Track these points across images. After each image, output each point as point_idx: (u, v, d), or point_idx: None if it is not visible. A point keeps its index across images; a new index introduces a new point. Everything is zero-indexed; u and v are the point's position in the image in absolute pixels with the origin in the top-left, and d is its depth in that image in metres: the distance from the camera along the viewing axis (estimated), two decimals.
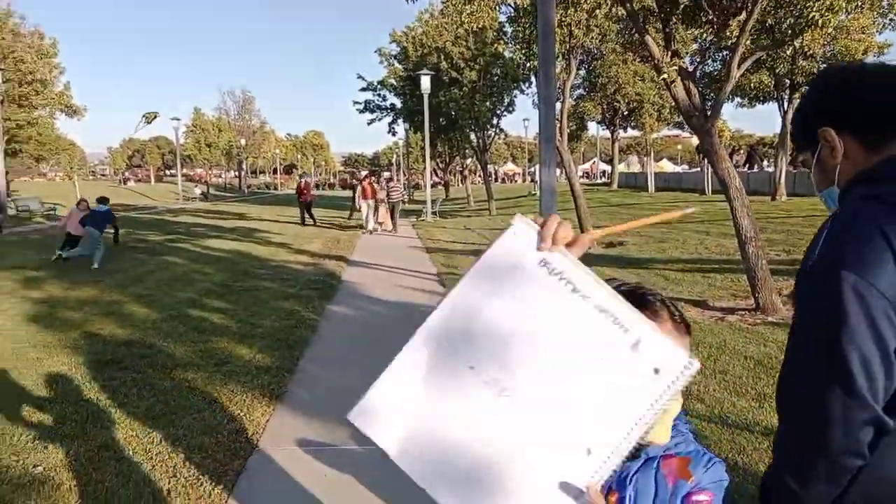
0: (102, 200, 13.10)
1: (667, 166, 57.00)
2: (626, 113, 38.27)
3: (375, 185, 20.06)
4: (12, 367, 5.61)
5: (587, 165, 71.20)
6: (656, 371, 0.79)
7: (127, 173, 76.48)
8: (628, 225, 0.95)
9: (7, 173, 32.26)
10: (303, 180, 23.19)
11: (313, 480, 3.67)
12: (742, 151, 31.27)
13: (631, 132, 45.95)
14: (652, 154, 38.68)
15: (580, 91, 41.61)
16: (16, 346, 6.29)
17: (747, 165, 29.08)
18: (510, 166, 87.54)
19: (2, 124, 22.43)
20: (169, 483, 3.56)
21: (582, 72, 35.83)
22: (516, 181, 74.03)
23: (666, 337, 0.81)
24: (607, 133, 42.84)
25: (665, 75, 7.54)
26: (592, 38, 25.23)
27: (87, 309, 8.06)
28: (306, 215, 22.08)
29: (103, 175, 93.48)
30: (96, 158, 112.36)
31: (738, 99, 23.16)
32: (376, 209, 19.52)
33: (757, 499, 1.21)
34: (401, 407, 0.83)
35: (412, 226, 21.57)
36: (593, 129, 61.56)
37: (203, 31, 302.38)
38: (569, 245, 0.85)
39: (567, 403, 0.80)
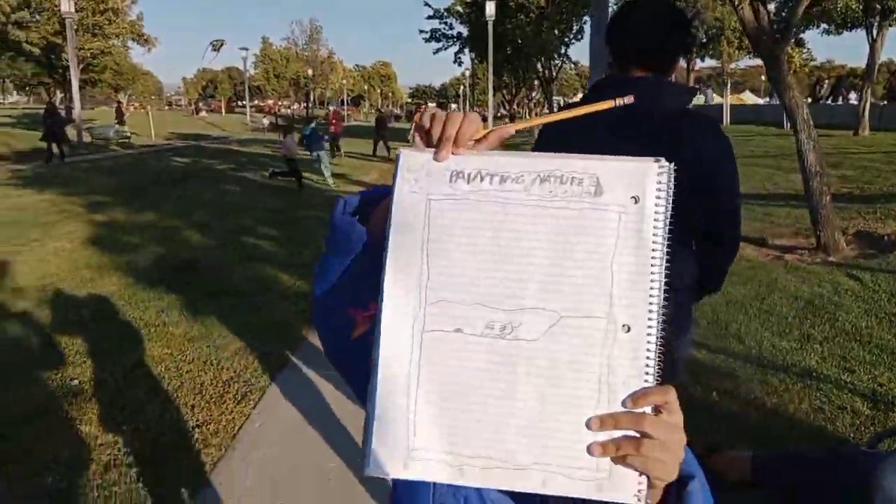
0: (309, 121, 14.29)
1: (749, 98, 53.79)
2: (704, 41, 36.04)
3: None
4: (65, 286, 5.88)
5: None
6: (636, 200, 0.64)
7: (200, 104, 78.16)
8: (552, 116, 0.81)
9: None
10: (332, 109, 23.27)
11: (335, 403, 3.72)
12: (828, 83, 29.07)
13: (710, 62, 43.47)
14: (729, 85, 36.48)
15: None
16: (71, 266, 6.58)
17: (831, 98, 27.08)
18: (581, 97, 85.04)
19: (76, 53, 23.02)
20: (194, 399, 3.68)
21: None
22: None
23: (617, 158, 0.65)
24: (683, 63, 40.67)
25: None
26: None
27: (145, 233, 8.35)
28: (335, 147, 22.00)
29: (178, 105, 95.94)
30: (172, 89, 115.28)
31: (824, 25, 21.30)
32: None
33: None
34: (420, 426, 0.66)
35: None
36: None
37: None
38: (478, 142, 0.70)
39: (576, 296, 0.64)
